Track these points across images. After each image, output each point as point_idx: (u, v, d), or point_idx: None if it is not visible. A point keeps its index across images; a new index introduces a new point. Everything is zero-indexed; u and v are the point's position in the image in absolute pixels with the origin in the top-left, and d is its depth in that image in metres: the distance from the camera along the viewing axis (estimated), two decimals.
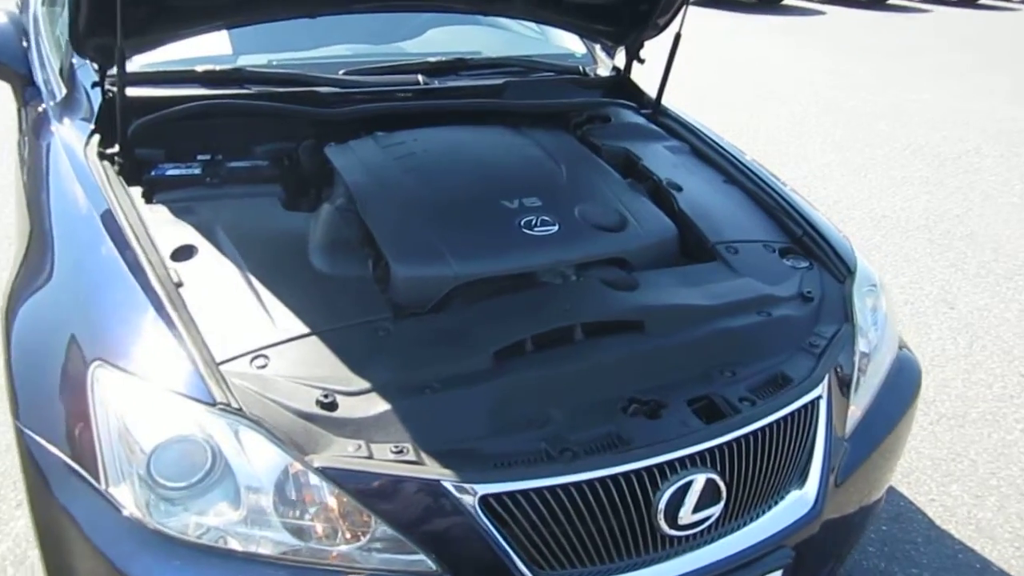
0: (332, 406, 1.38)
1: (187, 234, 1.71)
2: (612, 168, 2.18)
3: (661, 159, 2.30)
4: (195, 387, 1.36)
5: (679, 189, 2.12)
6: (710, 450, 1.46)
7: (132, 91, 2.09)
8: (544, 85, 2.55)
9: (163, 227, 1.73)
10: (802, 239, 2.05)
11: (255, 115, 2.11)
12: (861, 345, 1.82)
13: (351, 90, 2.28)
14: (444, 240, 1.73)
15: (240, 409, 1.34)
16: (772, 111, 7.20)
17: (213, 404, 1.34)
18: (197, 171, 1.94)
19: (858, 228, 4.69)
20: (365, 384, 1.42)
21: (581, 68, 2.70)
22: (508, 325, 1.57)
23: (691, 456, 1.44)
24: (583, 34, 2.69)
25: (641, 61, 2.64)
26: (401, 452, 1.34)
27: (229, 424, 1.33)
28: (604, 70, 2.78)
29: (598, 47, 2.86)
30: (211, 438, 1.33)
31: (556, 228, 1.82)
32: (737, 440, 1.49)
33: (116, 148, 1.92)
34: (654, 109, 2.59)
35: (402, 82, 2.36)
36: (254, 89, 2.20)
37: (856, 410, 1.77)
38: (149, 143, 2.02)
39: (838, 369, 1.73)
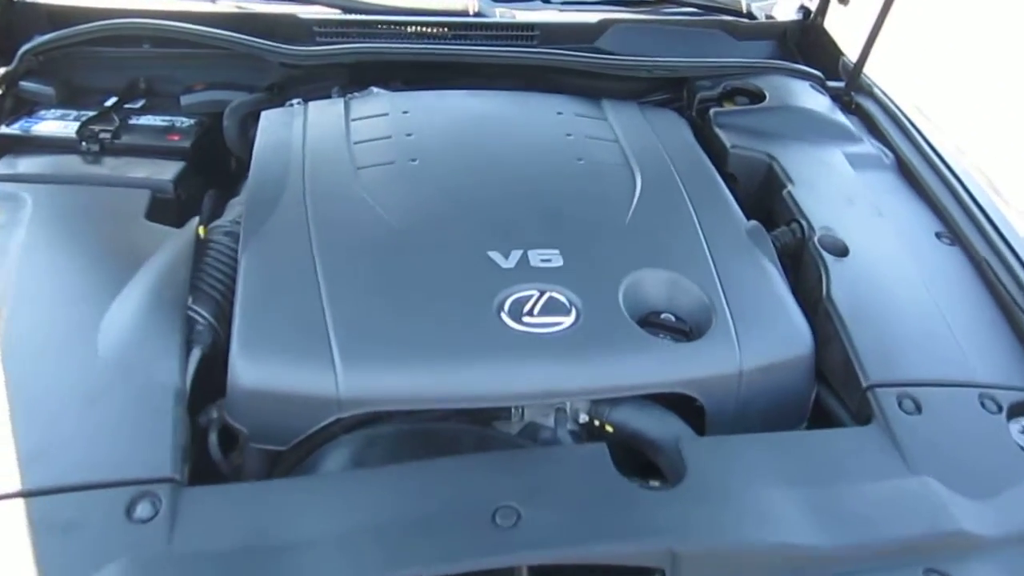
0: None
1: None
2: (733, 194, 1.29)
3: (830, 183, 1.35)
4: None
5: (843, 252, 1.19)
6: None
7: None
8: (669, 29, 1.63)
9: None
10: None
11: (192, 46, 1.42)
12: None
13: (357, 16, 1.51)
14: (345, 318, 0.97)
15: None
16: None
17: None
18: (71, 131, 1.29)
19: None
20: None
21: (745, 5, 1.74)
22: (378, 543, 0.80)
23: None
24: None
25: (844, 1, 1.65)
26: None
27: None
28: (788, 10, 1.79)
29: None
30: None
31: (571, 321, 1.00)
32: None
33: None
34: (848, 83, 1.60)
35: (443, 10, 1.55)
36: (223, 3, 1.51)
37: None
38: (43, 74, 1.40)
39: None
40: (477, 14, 1.56)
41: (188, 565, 0.78)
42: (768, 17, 1.75)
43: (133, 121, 1.34)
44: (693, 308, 1.07)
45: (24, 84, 1.38)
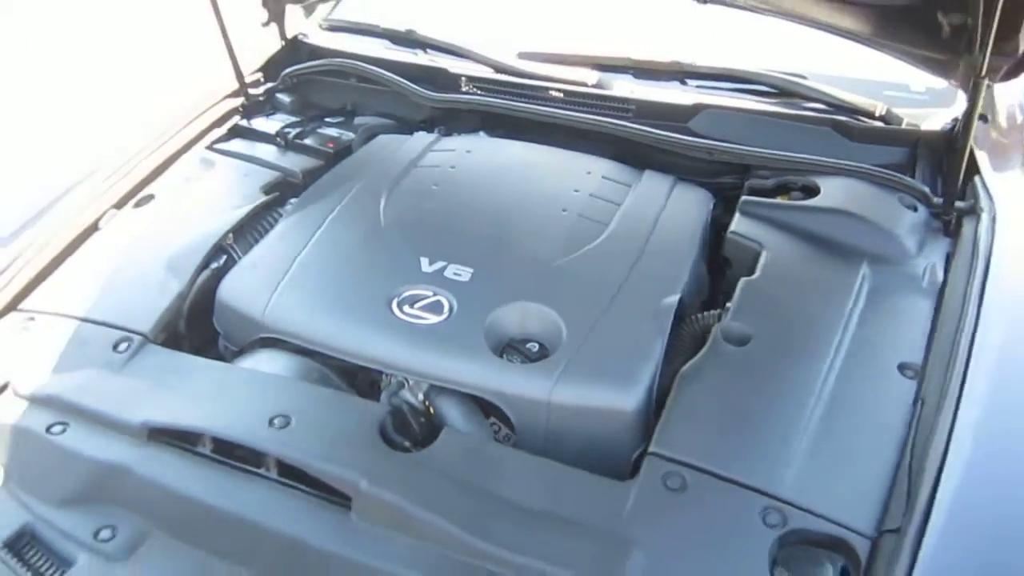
0: None
1: (169, 184, 1.68)
2: (719, 278, 1.44)
3: (804, 288, 1.34)
4: None
5: (740, 342, 1.21)
6: None
7: (323, 37, 2.11)
8: (769, 120, 1.68)
9: (173, 174, 1.73)
10: None
11: (375, 83, 1.91)
12: None
13: (497, 76, 1.87)
14: (300, 273, 1.35)
15: None
16: None
17: None
18: (273, 129, 1.86)
19: None
20: None
21: (881, 108, 1.67)
22: (188, 409, 1.16)
23: None
24: (886, 49, 1.61)
25: (984, 119, 1.54)
26: None
27: None
28: (939, 122, 1.67)
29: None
30: None
31: (437, 320, 1.25)
32: None
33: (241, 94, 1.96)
34: (945, 202, 1.48)
35: (567, 79, 1.83)
36: (427, 55, 2.00)
37: None
38: (292, 90, 2.02)
39: None
40: (595, 85, 1.80)
41: (109, 384, 1.21)
42: (907, 125, 1.66)
43: (320, 130, 1.88)
44: (556, 344, 1.22)
45: (278, 95, 2.01)
